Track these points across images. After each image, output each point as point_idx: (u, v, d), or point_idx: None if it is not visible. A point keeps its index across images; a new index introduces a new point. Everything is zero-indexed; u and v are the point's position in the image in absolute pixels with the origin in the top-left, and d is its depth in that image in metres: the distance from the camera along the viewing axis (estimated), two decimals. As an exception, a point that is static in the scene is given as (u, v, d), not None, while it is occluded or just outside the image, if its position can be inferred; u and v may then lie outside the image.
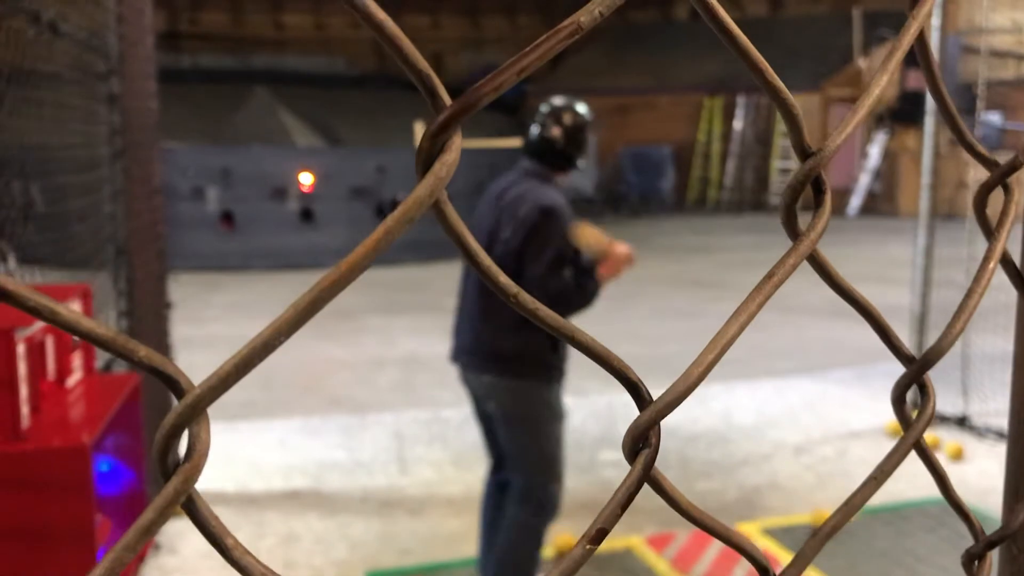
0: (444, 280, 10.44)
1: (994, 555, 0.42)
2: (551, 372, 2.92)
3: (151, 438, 3.34)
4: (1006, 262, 0.38)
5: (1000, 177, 0.38)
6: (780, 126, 19.23)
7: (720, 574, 3.44)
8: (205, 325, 8.09)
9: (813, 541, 0.35)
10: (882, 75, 0.33)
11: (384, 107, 19.25)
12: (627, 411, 5.45)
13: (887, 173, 18.06)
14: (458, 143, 0.22)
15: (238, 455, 4.70)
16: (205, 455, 0.21)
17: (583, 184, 18.02)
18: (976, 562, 0.40)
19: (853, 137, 19.17)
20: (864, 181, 18.25)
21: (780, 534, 3.76)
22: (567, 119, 2.96)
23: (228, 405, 5.85)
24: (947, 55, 5.27)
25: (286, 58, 22.52)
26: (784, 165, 19.35)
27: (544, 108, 3.01)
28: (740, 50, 0.29)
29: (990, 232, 0.38)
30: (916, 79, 16.79)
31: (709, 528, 0.32)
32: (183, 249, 10.54)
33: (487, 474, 3.19)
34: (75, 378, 1.63)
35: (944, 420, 5.18)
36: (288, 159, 12.63)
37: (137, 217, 3.83)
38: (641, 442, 0.29)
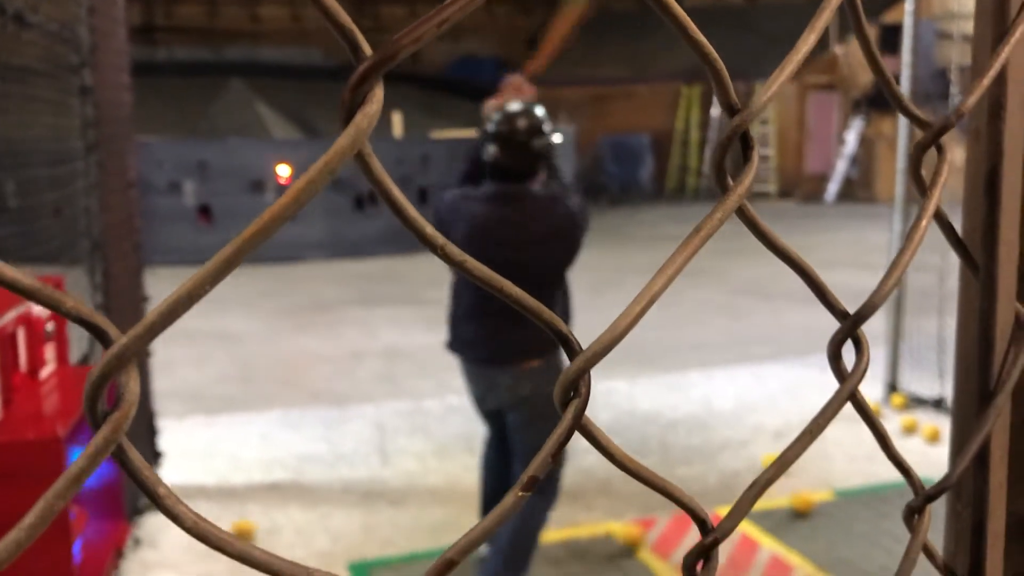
0: (423, 272, 10.43)
1: (939, 511, 0.43)
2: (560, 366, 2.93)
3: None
4: (942, 222, 0.38)
5: (934, 137, 0.39)
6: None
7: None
8: (184, 319, 8.00)
9: (749, 492, 0.36)
10: (809, 33, 0.33)
11: (362, 99, 19.11)
12: (607, 398, 5.48)
13: (864, 159, 18.19)
14: (379, 95, 0.23)
15: (218, 449, 4.69)
16: (134, 404, 0.21)
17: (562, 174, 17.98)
18: (916, 516, 0.41)
19: (831, 123, 19.25)
20: (841, 167, 18.37)
21: (760, 518, 3.79)
22: (522, 123, 2.80)
23: (208, 399, 5.84)
24: (921, 41, 5.31)
25: (262, 50, 22.37)
26: (762, 152, 19.42)
27: (483, 130, 2.86)
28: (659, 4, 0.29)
29: (924, 191, 0.38)
30: (892, 65, 16.88)
31: (644, 479, 0.33)
32: (161, 243, 10.47)
33: (485, 446, 3.21)
34: (48, 370, 1.62)
35: (921, 402, 5.24)
36: (265, 151, 12.56)
37: (112, 211, 3.80)
38: (572, 391, 0.29)
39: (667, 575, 3.36)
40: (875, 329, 5.93)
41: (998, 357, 0.41)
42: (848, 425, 4.95)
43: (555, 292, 2.92)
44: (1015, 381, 0.41)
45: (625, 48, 21.55)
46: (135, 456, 0.22)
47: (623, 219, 15.01)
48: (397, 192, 0.24)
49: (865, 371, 0.37)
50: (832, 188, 18.38)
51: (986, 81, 0.37)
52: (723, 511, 3.85)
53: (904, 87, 5.22)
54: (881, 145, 17.42)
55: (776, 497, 3.99)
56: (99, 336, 0.21)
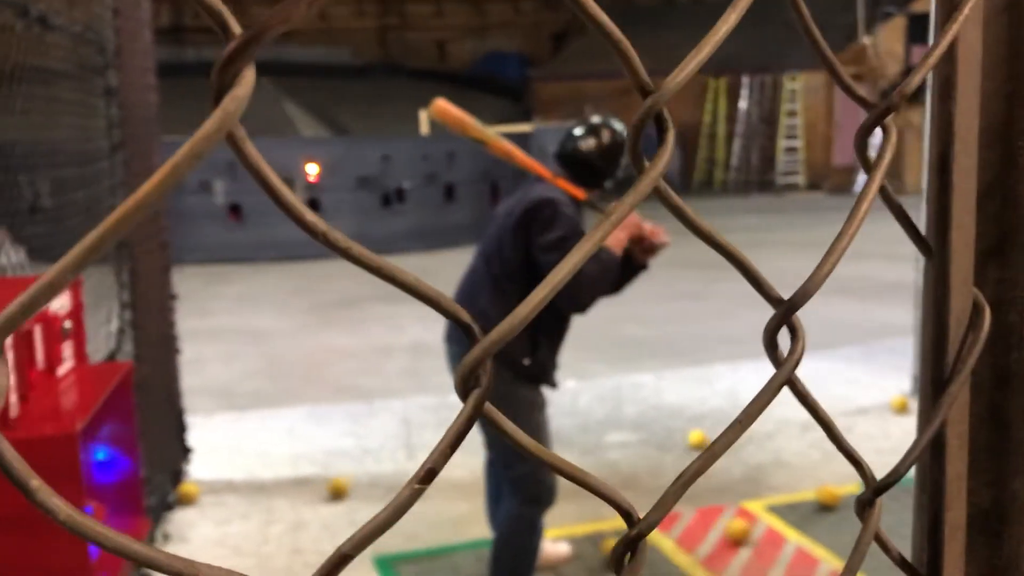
0: (450, 268, 10.44)
1: (895, 503, 0.42)
2: (519, 371, 2.83)
3: (155, 430, 3.35)
4: (888, 201, 0.37)
5: (877, 118, 0.37)
6: (785, 106, 19.12)
7: (725, 552, 3.45)
8: (214, 317, 8.13)
9: (676, 485, 0.35)
10: (731, 12, 0.33)
11: (388, 96, 19.22)
12: (633, 392, 5.45)
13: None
14: (249, 77, 0.22)
15: (247, 444, 4.73)
16: (2, 395, 0.21)
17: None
18: (867, 509, 0.40)
19: (859, 114, 19.05)
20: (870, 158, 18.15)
21: (785, 511, 3.76)
22: (606, 136, 2.91)
23: (237, 395, 5.89)
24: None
25: (290, 49, 22.51)
26: (790, 144, 19.25)
27: (585, 121, 2.96)
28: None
29: (870, 169, 0.37)
30: (920, 55, 16.65)
31: (559, 469, 0.32)
32: (191, 242, 10.59)
33: (485, 449, 3.21)
34: (65, 367, 1.65)
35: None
36: (293, 150, 12.64)
37: (138, 210, 3.84)
38: (472, 380, 0.29)
39: (691, 569, 3.34)
40: (903, 320, 5.84)
41: (953, 344, 0.40)
42: (876, 418, 4.90)
43: (505, 282, 2.83)
44: (971, 368, 0.40)
45: (650, 41, 21.40)
46: (5, 447, 0.22)
47: (649, 213, 14.86)
48: (275, 177, 0.24)
49: (800, 358, 0.37)
50: (861, 179, 18.15)
51: (932, 60, 0.36)
52: (749, 505, 3.83)
53: (931, 77, 5.14)
54: (910, 135, 17.17)
55: (802, 491, 3.95)
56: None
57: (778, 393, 0.37)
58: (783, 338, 0.40)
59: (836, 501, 3.79)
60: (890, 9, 17.44)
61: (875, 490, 0.40)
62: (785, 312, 0.36)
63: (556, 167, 2.94)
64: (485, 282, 2.88)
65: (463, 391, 0.29)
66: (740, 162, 19.73)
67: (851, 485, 3.97)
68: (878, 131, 0.41)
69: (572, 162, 2.92)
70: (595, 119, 2.97)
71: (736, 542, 3.50)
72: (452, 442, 0.28)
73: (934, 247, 0.41)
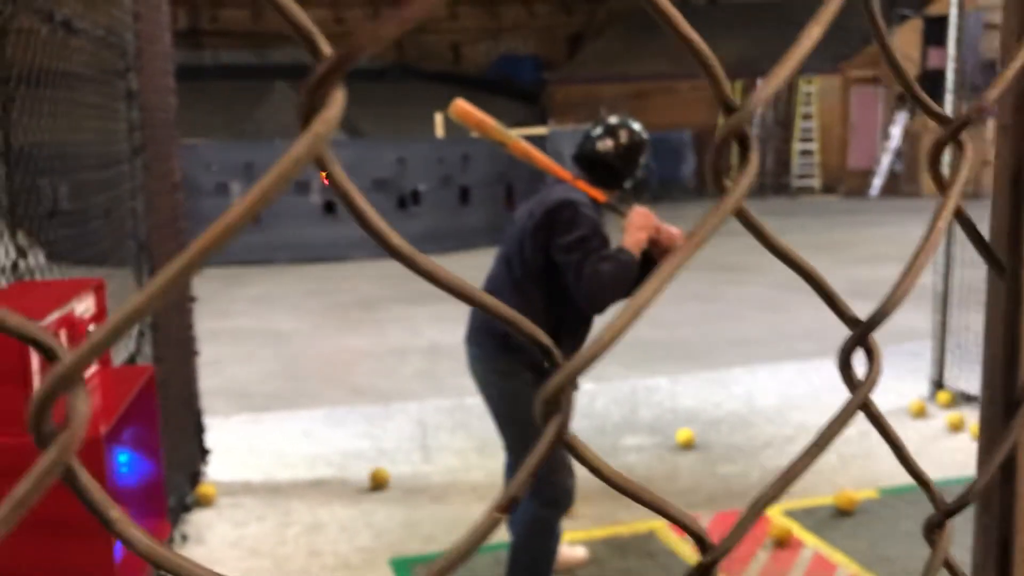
0: (466, 270, 10.41)
1: (966, 526, 0.41)
2: (541, 375, 2.82)
3: (173, 432, 3.35)
4: (963, 221, 0.36)
5: (953, 133, 0.37)
6: (800, 109, 19.04)
7: (743, 554, 3.43)
8: (231, 318, 8.16)
9: (749, 512, 0.34)
10: (814, 26, 0.32)
11: (404, 99, 19.25)
12: (649, 396, 5.44)
13: (908, 153, 17.84)
14: (339, 98, 0.22)
15: (264, 446, 4.74)
16: (83, 424, 0.21)
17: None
18: (936, 531, 0.39)
19: (874, 117, 18.91)
20: (886, 162, 18.04)
21: (802, 516, 3.74)
22: (624, 137, 2.91)
23: (253, 396, 5.91)
24: (968, 32, 5.18)
25: (306, 52, 22.57)
26: (805, 147, 19.16)
27: (603, 122, 2.97)
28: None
29: (943, 188, 0.36)
30: (937, 58, 16.55)
31: (639, 498, 0.31)
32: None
33: (505, 452, 3.20)
34: (90, 371, 1.65)
35: (968, 399, 5.12)
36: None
37: (158, 212, 3.86)
38: (552, 406, 0.28)
39: (710, 575, 3.32)
40: (921, 325, 5.80)
41: (1024, 365, 0.39)
42: (894, 422, 4.86)
43: (526, 284, 2.83)
44: (1044, 389, 0.39)
45: (665, 44, 21.38)
46: (85, 478, 0.21)
47: (665, 216, 14.83)
48: (360, 199, 0.24)
49: (876, 380, 0.36)
50: (876, 183, 18.07)
51: (1010, 73, 0.35)
52: (767, 509, 3.81)
53: (949, 79, 5.10)
54: (926, 139, 17.05)
55: (820, 495, 3.92)
56: (47, 354, 0.21)
57: (854, 415, 0.36)
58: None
59: (853, 506, 3.76)
60: (906, 11, 17.34)
61: (946, 512, 0.39)
62: (862, 333, 0.36)
63: (575, 169, 2.94)
64: (507, 286, 2.88)
65: (543, 416, 0.28)
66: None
67: (868, 490, 3.94)
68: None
69: (591, 163, 2.92)
70: (613, 120, 2.96)
71: (779, 543, 3.49)
72: (533, 469, 0.27)
73: (1006, 263, 0.40)
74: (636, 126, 2.96)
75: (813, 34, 0.32)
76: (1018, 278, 0.39)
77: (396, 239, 0.24)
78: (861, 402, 0.35)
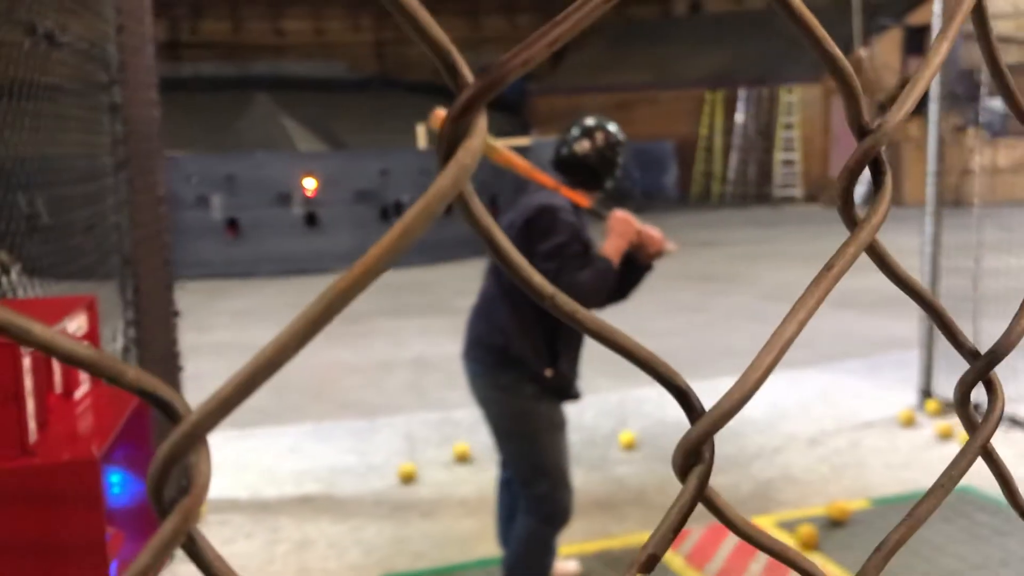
0: (452, 281, 10.40)
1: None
2: (543, 386, 2.81)
3: (159, 444, 3.33)
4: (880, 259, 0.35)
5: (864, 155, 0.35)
6: (782, 118, 19.16)
7: (735, 569, 3.41)
8: (213, 332, 8.08)
9: (877, 557, 0.32)
10: (942, 42, 0.30)
11: (386, 110, 19.23)
12: (638, 407, 5.42)
13: (891, 162, 17.95)
14: (483, 126, 0.20)
15: (250, 462, 4.69)
16: (206, 488, 0.19)
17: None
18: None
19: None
20: (867, 171, 18.18)
21: (796, 526, 3.73)
22: (600, 138, 2.91)
23: (239, 412, 5.81)
24: (951, 41, 5.22)
25: (286, 64, 22.53)
26: (787, 157, 19.28)
27: (579, 124, 2.96)
28: (793, 16, 0.26)
29: (853, 226, 0.34)
30: (917, 67, 16.72)
31: (767, 548, 0.30)
32: (189, 257, 10.54)
33: (499, 467, 3.17)
34: (83, 390, 1.62)
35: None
36: (291, 164, 12.62)
37: (142, 227, 3.82)
38: (694, 457, 0.26)
39: (704, 588, 3.31)
40: (906, 334, 5.83)
41: None
42: (884, 432, 4.87)
43: (517, 295, 2.77)
44: None
45: (648, 54, 21.50)
46: (207, 547, 0.19)
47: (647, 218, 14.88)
48: (502, 237, 0.22)
49: (999, 419, 0.34)
50: (859, 191, 18.19)
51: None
52: (759, 521, 3.80)
53: (932, 89, 5.14)
54: (908, 148, 17.23)
55: (812, 506, 3.92)
56: (165, 410, 0.19)
57: (976, 458, 0.35)
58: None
59: (846, 517, 3.76)
60: (886, 21, 17.51)
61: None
62: (984, 367, 0.34)
63: (555, 174, 2.93)
64: (498, 299, 2.86)
65: (683, 467, 0.27)
66: (737, 175, 19.76)
67: (860, 500, 3.94)
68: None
69: (569, 166, 2.91)
70: (589, 121, 2.96)
71: (805, 545, 3.50)
72: (675, 526, 0.25)
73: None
74: (612, 127, 2.96)
75: (942, 50, 0.30)
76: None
77: (538, 278, 0.22)
78: (984, 442, 0.34)
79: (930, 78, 0.31)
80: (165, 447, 0.18)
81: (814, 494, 4.08)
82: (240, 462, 4.68)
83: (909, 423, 4.98)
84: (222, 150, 14.45)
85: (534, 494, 2.87)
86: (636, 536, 3.69)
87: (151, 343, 3.78)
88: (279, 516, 4.00)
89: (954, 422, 4.91)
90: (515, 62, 0.20)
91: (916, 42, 16.60)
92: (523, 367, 2.78)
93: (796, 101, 18.97)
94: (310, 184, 12.13)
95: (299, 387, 6.40)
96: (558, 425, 2.88)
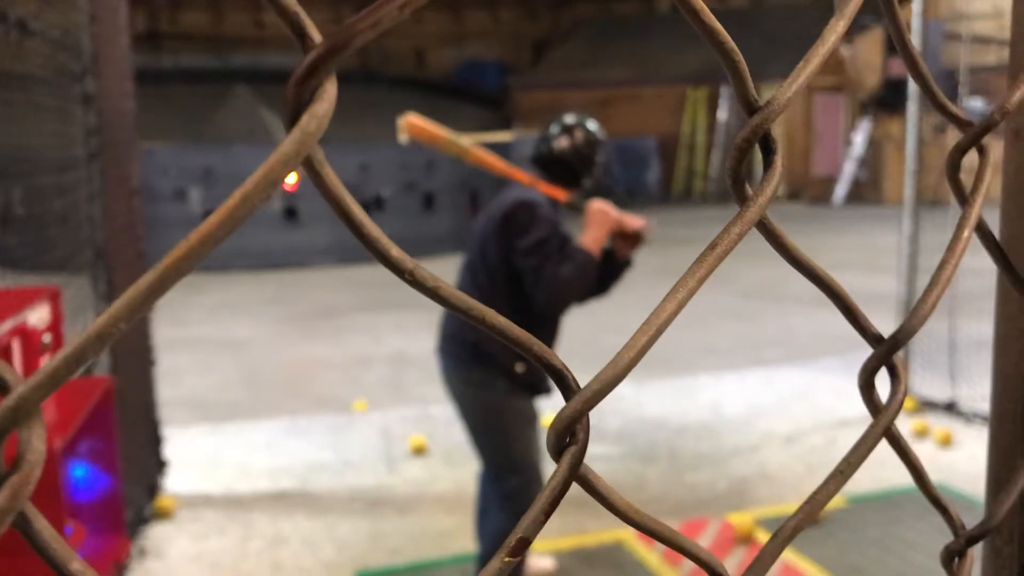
0: (431, 277, 10.36)
1: (976, 549, 0.39)
2: (513, 381, 2.81)
3: (130, 443, 3.28)
4: (983, 232, 0.35)
5: (975, 137, 0.35)
6: (764, 116, 19.25)
7: (710, 565, 3.42)
8: (189, 327, 8.03)
9: (775, 543, 0.32)
10: (838, 20, 0.30)
11: (367, 104, 19.15)
12: (615, 404, 5.43)
13: (872, 161, 18.11)
14: (331, 92, 0.19)
15: (224, 457, 4.66)
16: (38, 465, 0.18)
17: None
18: (956, 559, 0.37)
19: (838, 125, 19.17)
20: (849, 169, 18.29)
21: (772, 524, 3.74)
22: (579, 136, 2.91)
23: (214, 407, 5.81)
24: (929, 41, 5.27)
25: (267, 56, 22.39)
26: (769, 155, 19.38)
27: (558, 122, 2.96)
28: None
29: (964, 198, 0.35)
30: (899, 67, 16.84)
31: (651, 531, 0.29)
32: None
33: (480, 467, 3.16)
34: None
35: (932, 406, 5.18)
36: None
37: (115, 219, 3.78)
38: (567, 437, 0.26)
39: (677, 583, 3.32)
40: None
41: (1048, 382, 0.38)
42: (861, 431, 4.90)
43: (492, 291, 2.81)
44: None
45: (630, 51, 21.53)
46: (42, 525, 0.18)
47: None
48: (353, 205, 0.21)
49: (902, 404, 0.34)
50: (840, 190, 18.31)
51: (1031, 74, 0.33)
52: (734, 518, 3.81)
53: (911, 88, 5.18)
54: (889, 146, 17.35)
55: (788, 504, 3.94)
56: (-6, 384, 0.18)
57: (879, 440, 0.34)
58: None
59: (822, 514, 3.79)
60: (868, 20, 17.62)
61: (968, 539, 0.37)
62: (886, 352, 0.34)
63: (533, 170, 2.93)
64: (472, 294, 2.85)
65: (556, 448, 0.26)
66: (719, 172, 19.83)
67: (836, 498, 3.97)
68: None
69: (548, 163, 2.91)
70: (569, 119, 2.96)
71: (720, 556, 3.48)
72: (547, 508, 0.25)
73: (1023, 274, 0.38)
74: (592, 125, 2.96)
75: (839, 28, 0.30)
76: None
77: (396, 251, 0.21)
78: (888, 424, 0.33)
79: (824, 55, 0.30)
80: (-10, 421, 0.18)
81: (790, 491, 4.10)
82: (214, 458, 4.65)
83: (883, 420, 5.01)
84: (201, 142, 14.35)
85: (506, 490, 2.87)
86: (611, 533, 3.69)
87: (124, 337, 3.75)
88: (253, 512, 3.98)
89: (929, 420, 4.95)
90: (363, 24, 0.19)
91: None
92: (495, 363, 2.78)
93: (777, 100, 19.05)
94: (290, 178, 12.05)
95: (274, 382, 6.37)
96: (529, 420, 2.88)
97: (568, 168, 2.90)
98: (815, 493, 0.33)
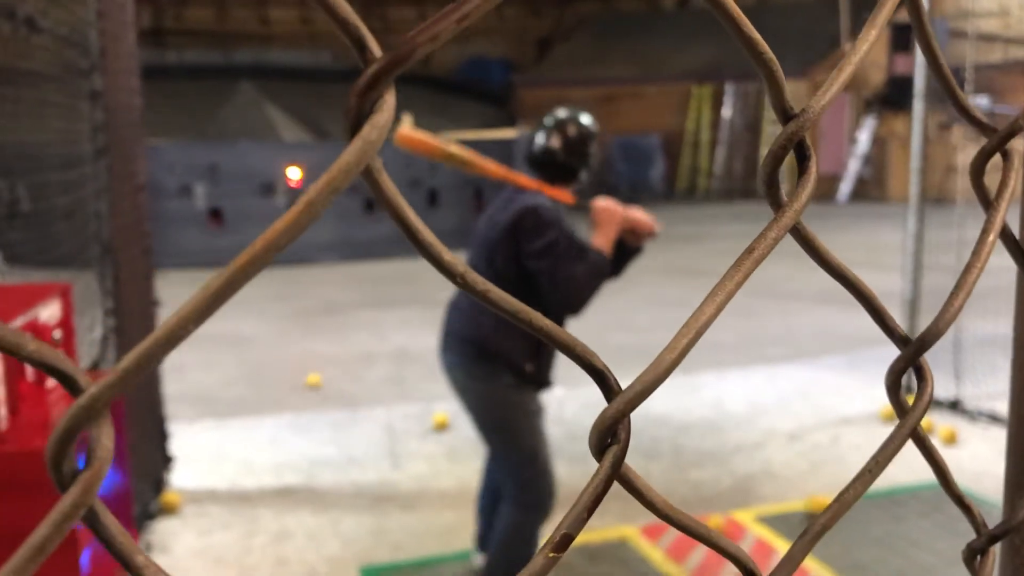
0: (433, 273, 10.31)
1: (996, 547, 0.40)
2: (520, 377, 2.83)
3: (136, 438, 3.29)
4: (1005, 235, 0.35)
5: (1000, 143, 0.36)
6: (769, 113, 19.22)
7: (714, 563, 3.43)
8: (194, 322, 8.04)
9: (803, 542, 0.33)
10: (870, 29, 0.30)
11: (371, 101, 19.12)
12: (619, 401, 5.43)
13: (876, 159, 18.08)
14: (391, 102, 0.20)
15: (229, 453, 4.67)
16: (107, 461, 0.19)
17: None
18: (979, 557, 0.38)
19: (842, 123, 19.15)
20: (853, 167, 18.27)
21: (775, 522, 3.75)
22: (571, 130, 2.90)
23: (218, 403, 5.82)
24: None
25: (272, 52, 22.40)
26: (773, 153, 19.34)
27: (548, 119, 2.95)
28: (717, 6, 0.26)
29: (988, 203, 0.35)
30: (904, 64, 16.80)
31: (689, 530, 0.30)
32: (172, 247, 10.49)
33: (486, 456, 3.17)
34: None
35: (937, 404, 5.18)
36: (275, 154, 12.56)
37: (122, 215, 3.79)
38: (609, 437, 0.27)
39: (681, 580, 3.32)
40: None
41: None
42: (863, 428, 4.91)
43: (511, 289, 2.85)
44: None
45: (634, 48, 21.50)
46: (109, 521, 0.19)
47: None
48: (411, 213, 0.22)
49: (929, 404, 0.34)
50: (844, 188, 18.28)
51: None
52: (738, 515, 3.82)
53: (917, 86, 5.17)
54: (894, 144, 17.32)
55: (792, 501, 3.95)
56: (66, 383, 0.19)
57: (906, 442, 0.35)
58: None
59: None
60: (871, 20, 17.57)
61: (991, 538, 0.38)
62: (913, 353, 0.34)
63: (530, 171, 2.94)
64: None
65: (599, 448, 0.27)
66: (723, 169, 19.81)
67: (838, 495, 3.97)
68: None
69: (542, 162, 2.92)
70: (560, 113, 2.96)
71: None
72: (590, 505, 0.25)
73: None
74: (584, 119, 2.96)
75: (870, 36, 0.30)
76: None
77: (448, 256, 0.22)
78: (915, 424, 0.34)
79: (857, 63, 0.31)
80: (64, 420, 0.18)
81: (793, 489, 4.11)
82: (218, 453, 4.66)
83: (890, 419, 5.01)
84: (206, 139, 14.37)
85: (517, 482, 2.88)
86: (616, 530, 3.70)
87: (130, 333, 3.76)
88: (257, 507, 3.99)
89: (934, 419, 4.95)
90: (423, 37, 0.20)
91: (903, 39, 16.67)
92: (501, 359, 2.79)
93: (782, 97, 19.02)
94: (294, 174, 12.08)
95: (279, 378, 6.38)
96: (535, 412, 2.90)
97: (562, 165, 2.92)
98: (843, 492, 0.33)
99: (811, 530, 0.33)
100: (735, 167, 19.78)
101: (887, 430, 4.88)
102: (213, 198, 11.86)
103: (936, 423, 4.86)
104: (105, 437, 0.18)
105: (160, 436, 4.23)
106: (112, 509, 1.42)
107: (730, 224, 15.23)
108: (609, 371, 0.27)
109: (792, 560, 0.30)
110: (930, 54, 0.33)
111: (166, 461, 4.23)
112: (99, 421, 0.18)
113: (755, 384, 5.78)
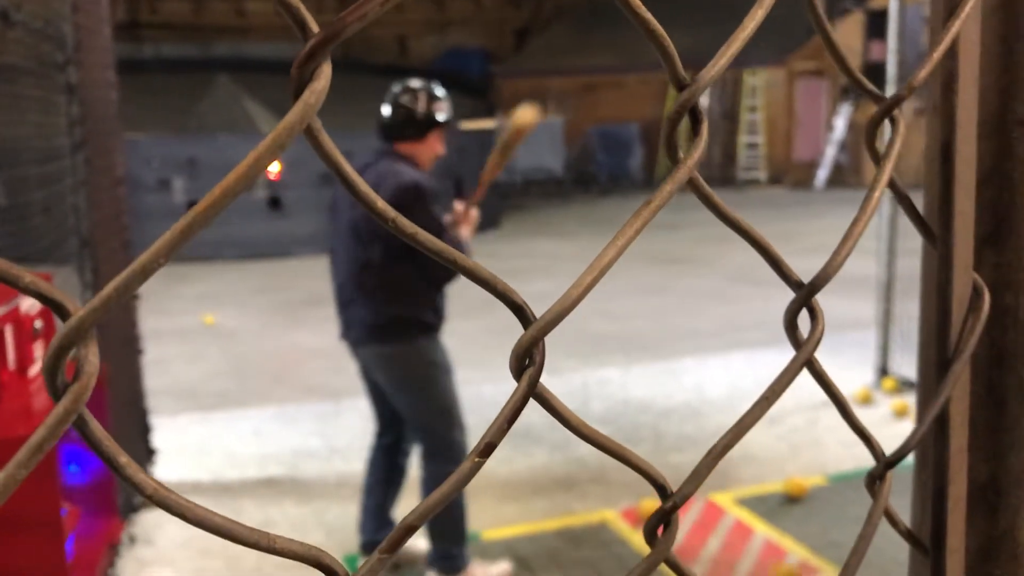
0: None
1: (905, 481, 0.44)
2: (428, 330, 3.04)
3: (117, 432, 3.31)
4: (895, 190, 0.39)
5: (887, 110, 0.39)
6: (746, 102, 19.33)
7: (695, 544, 3.49)
8: (175, 317, 8.04)
9: (708, 459, 0.36)
10: (757, 8, 0.34)
11: (350, 92, 19.08)
12: (601, 388, 5.49)
13: (853, 145, 18.22)
14: (327, 71, 0.23)
15: (213, 445, 4.69)
16: (94, 375, 0.22)
17: (552, 164, 18.01)
18: (877, 482, 0.41)
19: (819, 109, 19.24)
20: (830, 154, 18.40)
21: (754, 503, 3.82)
22: (414, 86, 3.08)
23: (202, 395, 5.83)
24: (908, 25, 5.33)
25: (249, 45, 22.28)
26: (751, 140, 19.46)
27: (387, 95, 3.12)
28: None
29: (879, 161, 0.39)
30: (879, 51, 16.92)
31: (600, 444, 0.33)
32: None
33: (373, 438, 3.39)
34: (37, 367, 1.63)
35: (912, 386, 5.27)
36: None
37: (100, 208, 3.79)
38: (527, 359, 0.30)
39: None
40: (866, 314, 5.94)
41: (955, 326, 0.42)
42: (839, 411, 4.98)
43: (402, 264, 2.98)
44: (973, 348, 0.42)
45: (614, 37, 21.52)
46: (96, 427, 0.22)
47: (613, 209, 15.02)
48: (348, 167, 0.25)
49: (820, 339, 0.38)
50: (821, 174, 18.41)
51: (936, 55, 0.38)
52: (718, 497, 3.88)
53: (890, 71, 5.24)
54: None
55: (770, 482, 4.01)
56: (57, 309, 0.22)
57: (800, 372, 0.39)
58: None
59: (803, 493, 3.85)
60: (848, 5, 17.71)
61: (886, 464, 0.41)
62: (806, 295, 0.38)
63: (389, 145, 3.10)
64: (370, 272, 3.08)
65: (518, 370, 0.30)
66: (701, 157, 19.88)
67: (817, 477, 4.04)
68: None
69: (398, 127, 3.07)
70: (395, 87, 3.13)
71: (704, 534, 3.55)
72: (509, 417, 0.29)
73: (937, 233, 0.42)
74: (415, 83, 3.11)
75: (757, 16, 0.34)
76: (949, 247, 0.42)
77: (381, 204, 0.25)
78: (807, 358, 0.38)
79: (745, 38, 0.34)
80: (57, 339, 0.22)
81: (772, 471, 4.17)
82: (202, 445, 4.68)
83: (866, 401, 5.09)
84: (184, 132, 14.29)
85: (436, 437, 3.10)
86: (597, 513, 3.75)
87: (111, 326, 3.77)
88: (241, 499, 4.02)
89: (909, 400, 5.03)
90: (351, 17, 0.23)
91: (878, 26, 16.80)
92: (410, 322, 2.99)
93: (760, 84, 19.14)
94: (274, 167, 12.04)
95: (262, 371, 6.39)
96: (448, 369, 3.10)
97: (412, 120, 3.06)
98: (743, 417, 0.37)
99: (714, 450, 0.36)
100: (713, 155, 19.88)
101: (863, 412, 4.96)
102: (192, 192, 11.81)
103: (912, 404, 4.94)
104: (91, 355, 0.22)
105: (143, 429, 4.24)
106: (96, 498, 1.46)
107: (708, 212, 15.27)
108: (527, 305, 0.30)
109: (698, 475, 0.34)
110: (822, 30, 0.37)
111: (149, 454, 4.25)
112: (86, 341, 0.21)
113: (735, 369, 5.85)
